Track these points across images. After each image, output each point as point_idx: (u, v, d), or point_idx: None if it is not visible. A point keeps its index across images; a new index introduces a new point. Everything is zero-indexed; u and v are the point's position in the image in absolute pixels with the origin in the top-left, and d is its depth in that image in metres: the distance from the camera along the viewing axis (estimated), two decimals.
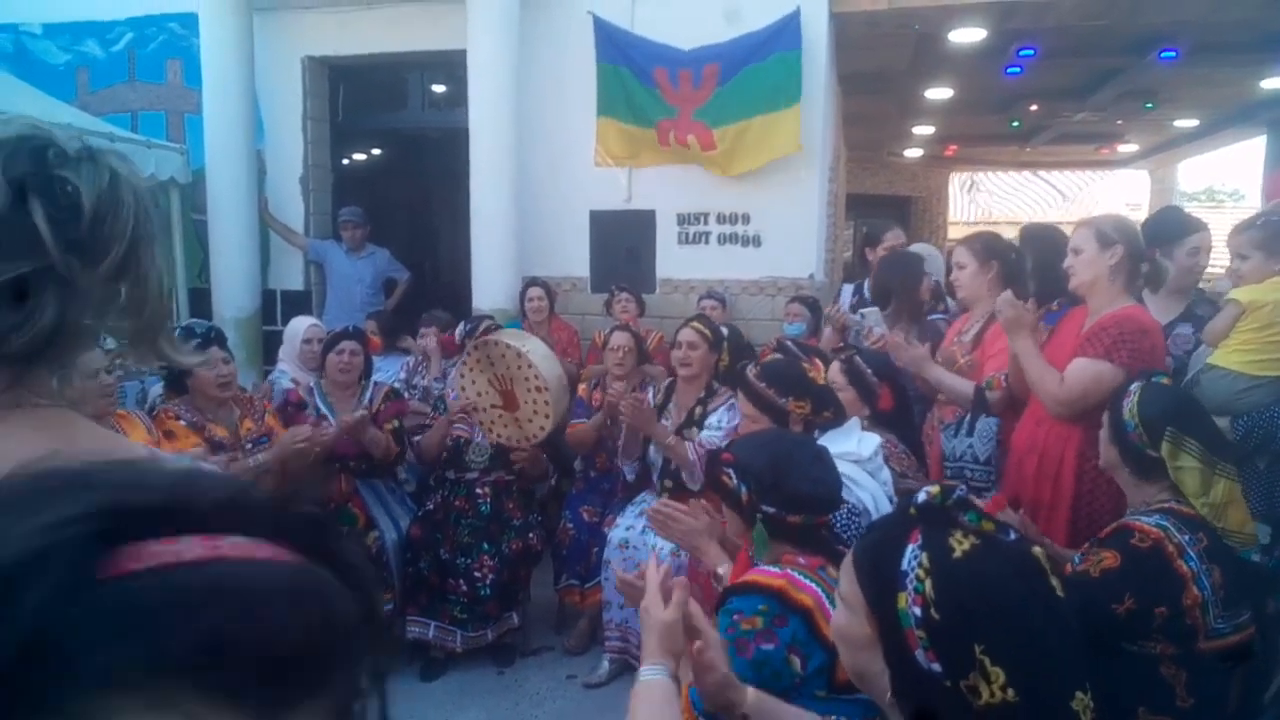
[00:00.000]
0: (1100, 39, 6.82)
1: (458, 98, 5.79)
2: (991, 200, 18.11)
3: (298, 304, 6.09)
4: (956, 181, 16.39)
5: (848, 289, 4.88)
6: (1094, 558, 1.87)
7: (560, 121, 5.65)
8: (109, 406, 3.02)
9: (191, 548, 0.39)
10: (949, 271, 3.53)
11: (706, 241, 5.65)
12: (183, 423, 3.23)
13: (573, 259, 5.81)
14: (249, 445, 3.35)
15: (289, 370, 4.42)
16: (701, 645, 1.41)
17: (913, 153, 13.35)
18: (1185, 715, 1.80)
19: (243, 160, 5.67)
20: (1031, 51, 7.15)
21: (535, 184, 5.57)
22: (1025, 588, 0.98)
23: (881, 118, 10.06)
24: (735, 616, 1.67)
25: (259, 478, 3.33)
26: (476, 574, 3.70)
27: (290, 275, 6.28)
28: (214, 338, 3.42)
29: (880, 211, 12.70)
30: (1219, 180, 22.67)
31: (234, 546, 0.40)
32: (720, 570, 2.06)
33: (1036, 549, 1.04)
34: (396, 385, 4.32)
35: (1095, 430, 2.23)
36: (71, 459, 0.42)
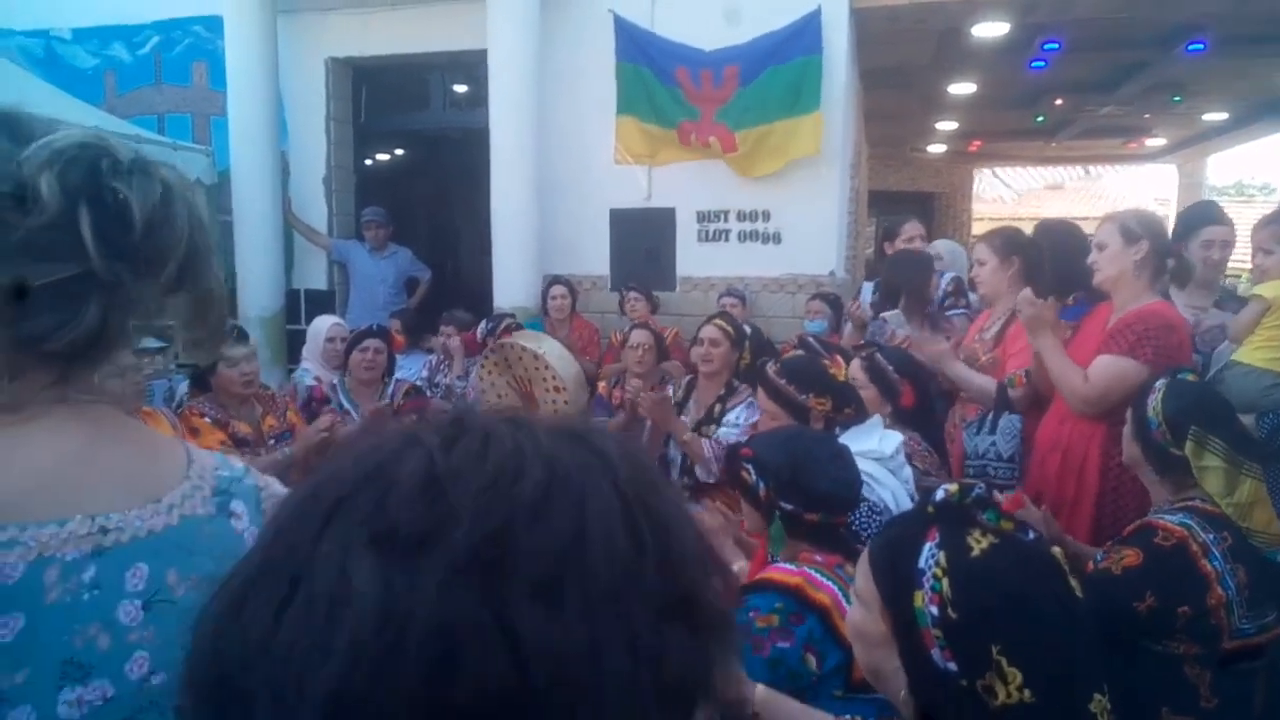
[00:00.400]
0: (1126, 31, 6.74)
1: (478, 98, 5.82)
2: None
3: (321, 303, 6.15)
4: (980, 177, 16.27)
5: (868, 286, 4.85)
6: (1115, 555, 1.85)
7: (580, 120, 5.66)
8: (137, 403, 3.07)
9: None
10: (971, 268, 3.51)
11: (726, 239, 5.65)
12: (207, 419, 3.28)
13: (593, 257, 5.83)
14: (272, 441, 3.40)
15: (312, 368, 4.46)
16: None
17: (936, 148, 13.24)
18: (1209, 716, 1.78)
19: (267, 161, 5.73)
20: (1056, 45, 7.07)
21: (555, 183, 5.58)
22: (1043, 588, 0.97)
23: (904, 113, 10.00)
24: (751, 614, 1.66)
25: (283, 472, 3.38)
26: None
27: (314, 275, 6.34)
28: (237, 337, 3.46)
29: (903, 208, 12.59)
30: (1249, 174, 22.36)
31: None
32: (736, 568, 2.06)
33: (1055, 549, 1.03)
34: (418, 383, 4.36)
35: (1119, 427, 2.20)
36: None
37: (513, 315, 4.65)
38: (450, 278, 7.50)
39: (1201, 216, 3.35)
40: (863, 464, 2.00)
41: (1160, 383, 2.02)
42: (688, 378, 3.92)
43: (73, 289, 0.75)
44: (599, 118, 5.59)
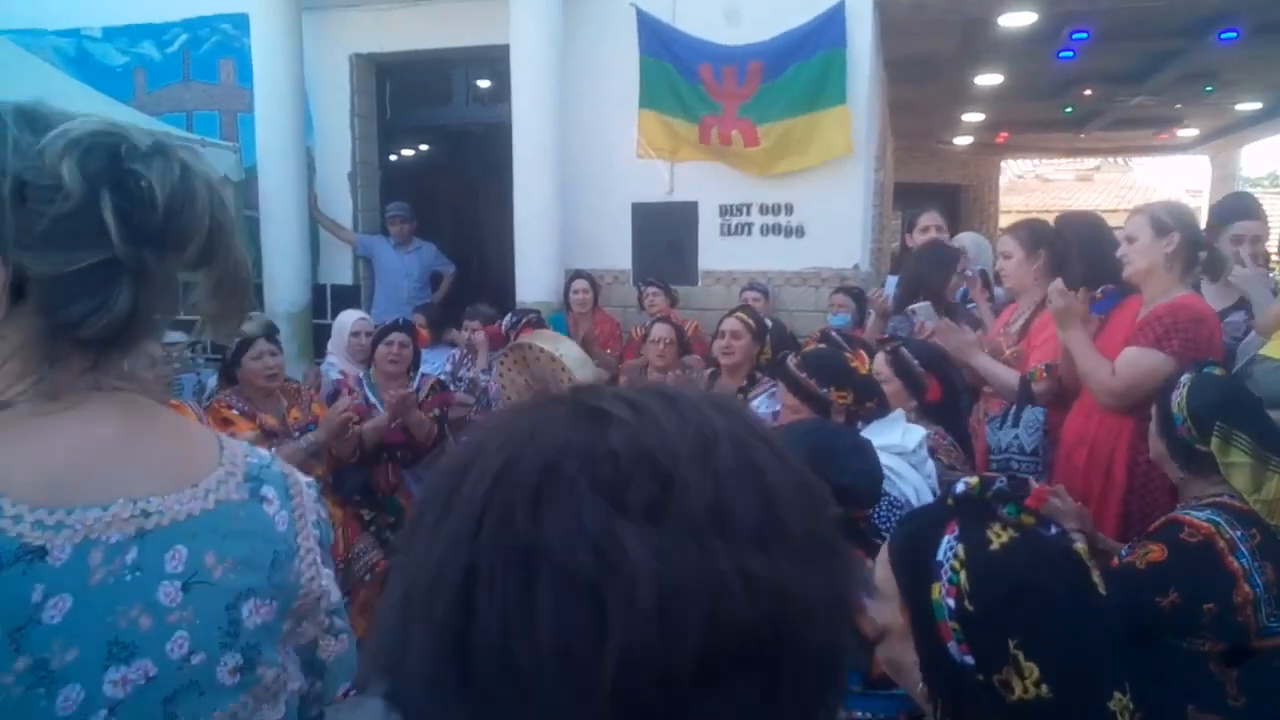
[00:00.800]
0: (1157, 20, 6.62)
1: (501, 93, 5.84)
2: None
3: (347, 298, 6.21)
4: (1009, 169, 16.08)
5: (892, 280, 4.81)
6: (1140, 550, 1.83)
7: (602, 115, 5.67)
8: (165, 396, 3.12)
9: None
10: (996, 261, 3.47)
11: (749, 233, 5.63)
12: (236, 411, 3.33)
13: (615, 251, 5.83)
14: (296, 434, 3.45)
15: (337, 362, 4.51)
16: None
17: (962, 140, 13.10)
18: (1236, 714, 1.75)
19: (293, 158, 5.79)
20: (1085, 34, 6.97)
21: (578, 177, 5.59)
22: (1063, 583, 0.96)
23: (930, 105, 9.90)
24: None
25: (310, 460, 3.43)
26: None
27: (339, 270, 6.40)
28: (262, 330, 3.51)
29: (929, 201, 12.47)
30: None
31: None
32: None
33: (1078, 545, 1.02)
34: (442, 377, 4.39)
35: (1147, 423, 2.17)
36: None
37: (536, 311, 4.68)
38: (473, 272, 7.54)
39: (1234, 210, 3.29)
40: (884, 458, 1.99)
41: (1185, 377, 1.99)
42: (709, 371, 3.92)
43: (102, 275, 0.76)
44: (621, 112, 5.59)
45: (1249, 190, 13.78)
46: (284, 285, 5.86)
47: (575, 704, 0.39)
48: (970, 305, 3.95)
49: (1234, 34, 6.76)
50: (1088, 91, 9.45)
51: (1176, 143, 13.61)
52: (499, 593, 0.41)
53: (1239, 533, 1.79)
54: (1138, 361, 2.44)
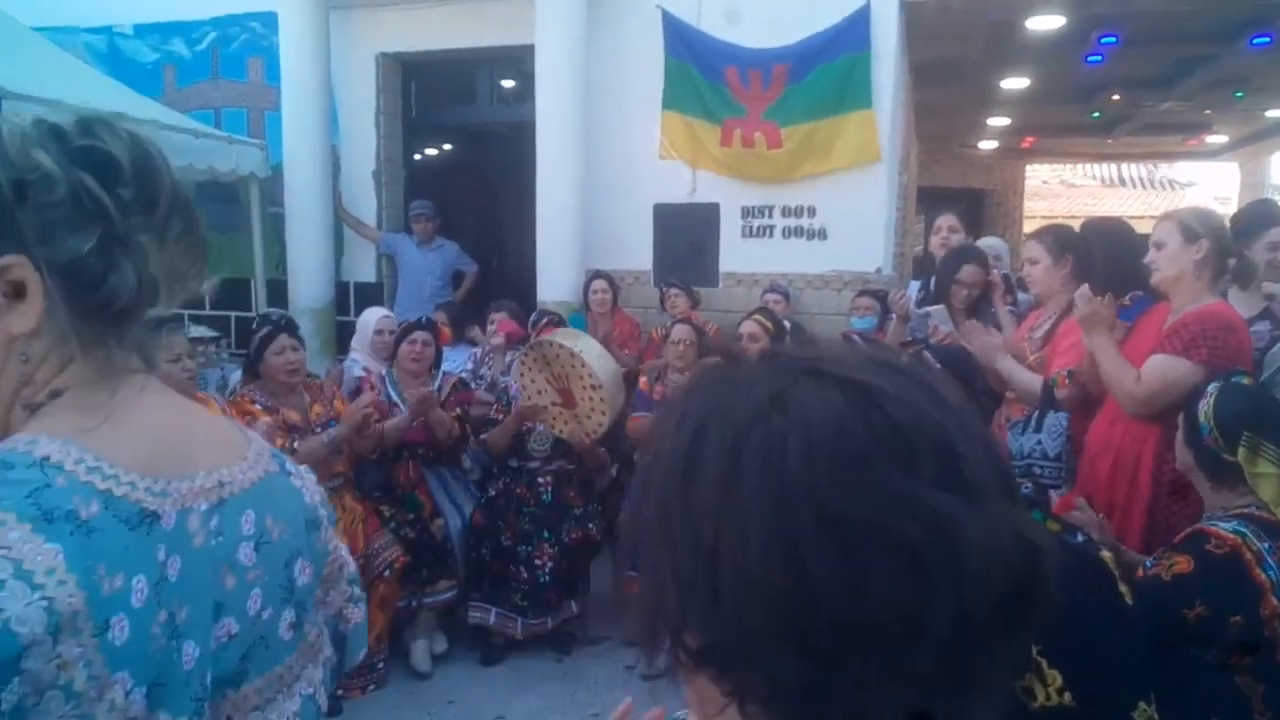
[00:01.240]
0: (1187, 25, 6.54)
1: (525, 93, 5.85)
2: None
3: (370, 295, 6.25)
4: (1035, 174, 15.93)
5: (915, 285, 4.78)
6: (1166, 562, 1.81)
7: (625, 116, 5.67)
8: (189, 389, 3.16)
9: None
10: (1022, 266, 3.44)
11: (770, 235, 5.61)
12: (258, 406, 3.36)
13: (636, 252, 5.83)
14: (318, 429, 3.48)
15: (361, 359, 4.54)
16: None
17: (987, 145, 12.99)
18: None
19: (318, 155, 5.84)
20: (1113, 39, 6.89)
21: (600, 178, 5.60)
22: (1089, 591, 0.96)
23: (955, 109, 9.83)
24: None
25: (331, 455, 3.47)
26: (537, 562, 3.76)
27: (363, 267, 6.44)
28: (284, 326, 3.54)
29: (953, 205, 12.38)
30: None
31: None
32: None
33: (1105, 553, 1.01)
34: (464, 375, 4.42)
35: (1173, 431, 2.15)
36: None
37: (556, 314, 4.70)
38: (495, 272, 7.57)
39: (1266, 217, 3.25)
40: None
41: (1212, 386, 1.97)
42: None
43: (105, 249, 0.78)
44: (644, 113, 5.60)
45: (1277, 197, 13.58)
46: (308, 282, 5.91)
47: (905, 654, 0.45)
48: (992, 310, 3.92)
49: (1267, 39, 6.67)
50: (1115, 96, 9.34)
51: (1205, 149, 13.44)
52: (826, 560, 0.45)
53: (1266, 544, 1.77)
54: (1164, 369, 2.41)
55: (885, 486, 0.45)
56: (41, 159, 0.76)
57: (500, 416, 3.94)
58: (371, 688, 3.57)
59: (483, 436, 4.02)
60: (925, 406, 0.48)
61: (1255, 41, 6.72)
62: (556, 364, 3.74)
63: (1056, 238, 3.22)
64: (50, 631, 0.66)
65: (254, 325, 3.66)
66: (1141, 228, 3.51)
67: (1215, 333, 2.37)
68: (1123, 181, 18.40)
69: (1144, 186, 18.19)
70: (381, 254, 6.37)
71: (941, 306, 3.63)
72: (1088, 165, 17.55)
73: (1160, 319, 2.60)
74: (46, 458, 0.73)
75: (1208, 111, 10.16)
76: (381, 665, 3.62)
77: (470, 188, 7.98)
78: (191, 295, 0.87)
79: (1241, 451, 1.83)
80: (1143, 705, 0.90)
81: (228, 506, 0.84)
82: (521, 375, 3.86)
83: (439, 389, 3.94)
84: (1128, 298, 2.80)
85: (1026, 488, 1.03)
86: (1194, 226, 2.50)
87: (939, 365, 2.93)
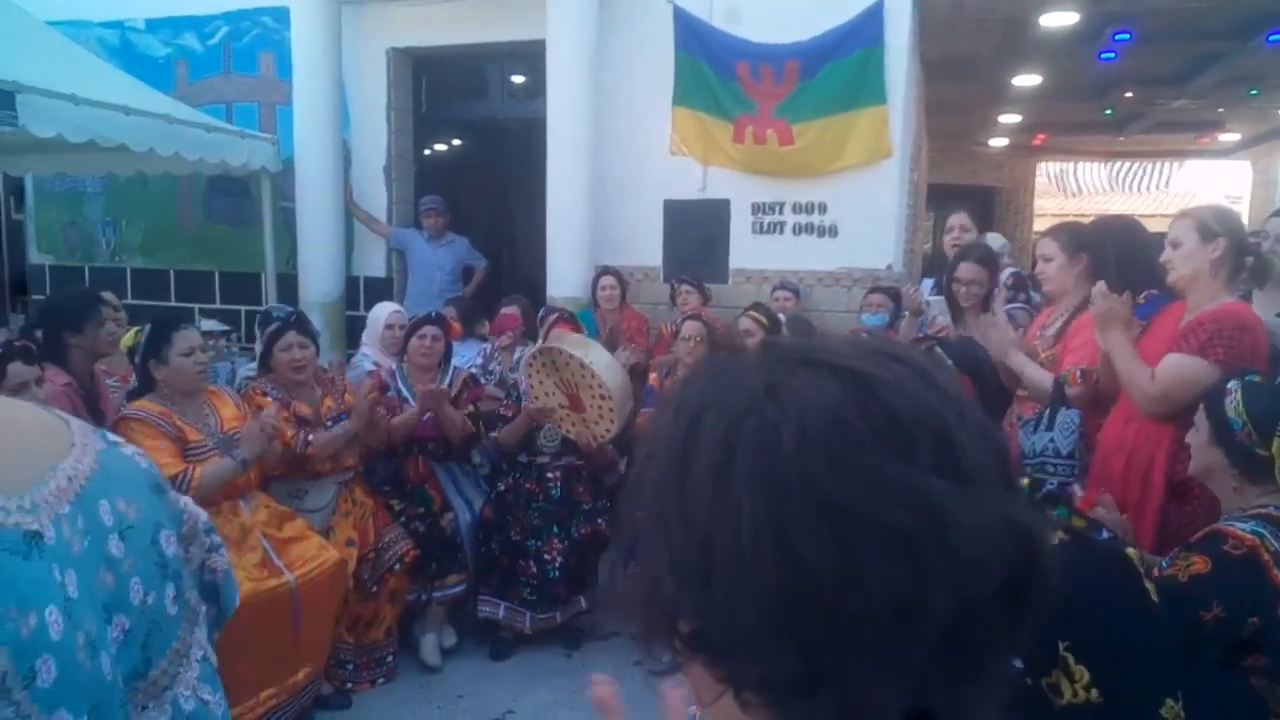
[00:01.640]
0: (1202, 22, 6.50)
1: (536, 88, 5.85)
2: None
3: (380, 290, 6.26)
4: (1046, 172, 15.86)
5: (927, 283, 4.76)
6: (1182, 562, 1.79)
7: (636, 112, 5.66)
8: (202, 383, 3.17)
9: None
10: (1034, 264, 3.42)
11: (781, 231, 5.60)
12: (270, 399, 3.37)
13: (646, 248, 5.82)
14: (329, 423, 3.49)
15: (371, 354, 4.55)
16: None
17: (998, 142, 12.94)
18: None
19: (329, 150, 5.85)
20: (1127, 36, 6.85)
21: (610, 174, 5.59)
22: (1115, 587, 0.95)
23: (966, 106, 9.79)
24: None
25: (345, 448, 3.48)
26: (546, 556, 3.76)
27: (373, 262, 6.45)
28: (292, 322, 3.54)
29: (963, 203, 12.31)
30: None
31: None
32: None
33: (1130, 549, 1.01)
34: (474, 370, 4.42)
35: (1187, 430, 2.13)
36: None
37: (564, 310, 4.69)
38: (505, 267, 7.58)
39: None
40: None
41: (1233, 384, 1.95)
42: None
43: None
44: (655, 109, 5.59)
45: None
46: (318, 276, 5.92)
47: (899, 643, 0.45)
48: (1012, 306, 3.91)
49: None
50: (1128, 94, 9.30)
51: (1217, 147, 13.36)
52: (819, 548, 0.44)
53: None
54: (1180, 368, 2.39)
55: (880, 474, 0.45)
56: None
57: (510, 414, 3.94)
58: (381, 681, 3.58)
59: (493, 434, 4.02)
60: (924, 395, 0.48)
61: (1271, 39, 6.68)
62: (566, 370, 3.73)
63: (1071, 235, 3.20)
64: None
65: (258, 320, 3.66)
66: (1153, 226, 3.49)
67: (1232, 332, 2.36)
68: (1126, 187, 18.34)
69: (1145, 190, 18.12)
70: (392, 249, 6.38)
71: (941, 299, 3.63)
72: (1097, 164, 17.46)
73: (1176, 318, 2.58)
74: None
75: (1221, 109, 10.10)
76: (391, 659, 3.63)
77: (480, 183, 7.98)
78: None
79: (1276, 443, 1.82)
80: (1170, 702, 0.89)
81: (84, 501, 0.77)
82: (530, 376, 3.86)
83: (450, 385, 3.94)
84: (1142, 296, 2.78)
85: (1050, 484, 1.02)
86: (1211, 225, 2.48)
87: (951, 362, 2.93)
